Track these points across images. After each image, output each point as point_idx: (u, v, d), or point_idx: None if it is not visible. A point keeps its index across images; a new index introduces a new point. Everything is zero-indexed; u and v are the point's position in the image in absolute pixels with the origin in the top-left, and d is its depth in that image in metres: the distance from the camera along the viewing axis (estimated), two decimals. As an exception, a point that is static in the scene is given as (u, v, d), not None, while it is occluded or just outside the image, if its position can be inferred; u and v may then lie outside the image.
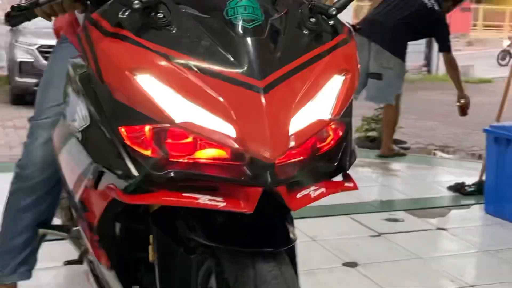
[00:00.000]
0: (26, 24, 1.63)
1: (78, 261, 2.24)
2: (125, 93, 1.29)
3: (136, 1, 1.27)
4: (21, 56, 9.83)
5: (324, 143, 1.42)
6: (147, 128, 1.30)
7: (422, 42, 13.51)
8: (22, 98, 9.96)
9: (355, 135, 6.31)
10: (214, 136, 1.26)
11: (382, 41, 5.36)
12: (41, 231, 2.33)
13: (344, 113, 1.42)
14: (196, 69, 1.28)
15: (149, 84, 1.27)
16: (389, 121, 5.60)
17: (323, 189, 1.38)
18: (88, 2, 1.53)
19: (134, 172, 1.29)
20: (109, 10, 1.36)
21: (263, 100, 1.26)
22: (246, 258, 1.31)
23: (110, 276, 1.71)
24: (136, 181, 1.29)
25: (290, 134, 1.28)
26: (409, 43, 5.53)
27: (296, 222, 3.66)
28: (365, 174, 5.01)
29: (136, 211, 1.65)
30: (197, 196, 1.28)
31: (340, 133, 1.44)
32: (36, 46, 9.68)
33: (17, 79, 9.84)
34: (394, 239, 3.49)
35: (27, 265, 2.37)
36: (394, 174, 5.17)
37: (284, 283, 1.28)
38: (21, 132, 7.41)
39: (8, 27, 11.76)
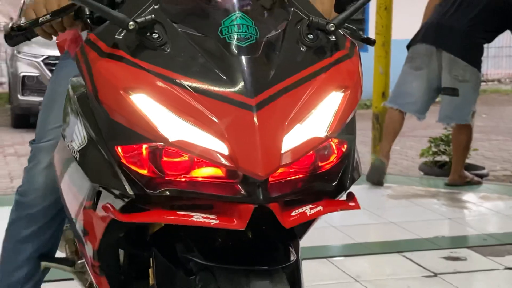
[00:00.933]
0: None
1: (83, 298, 2.61)
2: (121, 113, 1.65)
3: (131, 23, 1.64)
4: (25, 70, 10.35)
5: (326, 162, 1.76)
6: (143, 147, 1.66)
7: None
8: (25, 120, 10.47)
9: (420, 159, 6.61)
10: (207, 154, 1.61)
11: (455, 49, 5.65)
12: (43, 264, 2.71)
13: (344, 130, 1.76)
14: (189, 88, 1.63)
15: (144, 103, 1.63)
16: (462, 144, 5.86)
17: (320, 208, 1.71)
18: (89, 21, 1.91)
19: (130, 191, 1.64)
20: (106, 31, 1.73)
21: (255, 118, 1.60)
22: (241, 276, 1.65)
23: (112, 305, 2.06)
24: (132, 200, 1.65)
25: (283, 151, 1.62)
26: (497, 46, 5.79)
27: (338, 260, 3.95)
28: (428, 206, 5.30)
29: (140, 238, 2.01)
30: (191, 214, 1.63)
31: (342, 151, 1.77)
32: (42, 58, 10.21)
33: (20, 97, 10.33)
34: (452, 280, 3.77)
35: (29, 301, 2.75)
36: (464, 206, 5.44)
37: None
38: (23, 161, 7.90)
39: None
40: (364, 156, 8.17)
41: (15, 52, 10.52)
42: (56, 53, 2.73)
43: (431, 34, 5.75)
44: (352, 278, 3.77)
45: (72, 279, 2.82)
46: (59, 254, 2.83)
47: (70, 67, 2.38)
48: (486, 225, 4.88)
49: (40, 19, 1.92)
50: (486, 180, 6.30)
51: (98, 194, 1.78)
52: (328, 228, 4.70)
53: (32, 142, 2.63)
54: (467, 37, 5.63)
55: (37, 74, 10.26)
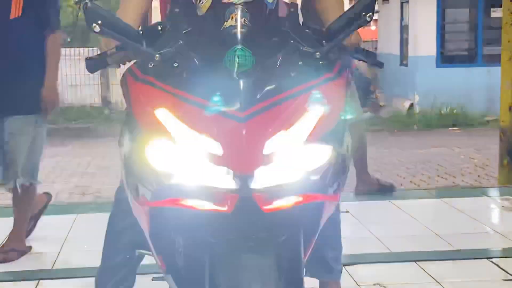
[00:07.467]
0: None
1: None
2: (147, 123, 2.21)
3: (157, 55, 2.20)
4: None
5: (312, 164, 2.22)
6: (165, 149, 2.20)
7: None
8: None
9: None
10: (206, 154, 2.13)
11: None
12: (138, 251, 3.31)
13: (328, 139, 2.21)
14: (197, 105, 2.17)
15: (164, 116, 2.18)
16: None
17: (300, 199, 2.18)
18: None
19: (153, 184, 2.19)
20: (141, 62, 2.31)
21: (243, 128, 2.11)
22: (236, 248, 2.17)
23: (168, 279, 2.62)
24: (158, 191, 2.20)
25: (265, 154, 2.11)
26: None
27: (425, 264, 4.31)
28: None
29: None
30: (195, 201, 2.16)
31: (326, 156, 2.23)
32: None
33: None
34: (530, 283, 4.05)
35: (126, 282, 3.37)
36: None
37: (257, 269, 2.12)
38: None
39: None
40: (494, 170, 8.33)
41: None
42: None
43: None
44: (433, 279, 4.14)
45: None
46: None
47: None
48: None
49: (108, 51, 2.53)
50: None
51: (137, 187, 2.34)
52: (431, 237, 5.06)
53: (126, 149, 3.24)
54: None
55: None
